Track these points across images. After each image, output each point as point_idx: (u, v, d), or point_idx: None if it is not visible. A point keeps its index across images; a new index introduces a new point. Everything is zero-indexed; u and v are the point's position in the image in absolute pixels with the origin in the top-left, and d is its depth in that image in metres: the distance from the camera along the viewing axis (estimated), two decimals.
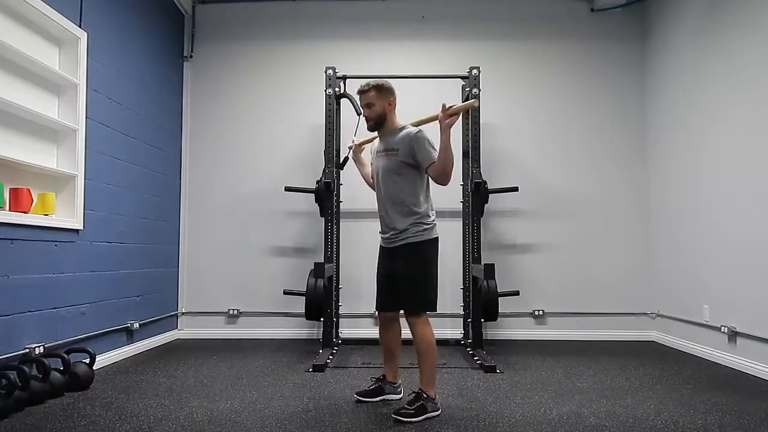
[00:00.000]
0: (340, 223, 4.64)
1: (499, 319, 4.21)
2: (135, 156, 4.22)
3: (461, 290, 4.75)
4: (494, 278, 3.95)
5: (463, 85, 4.70)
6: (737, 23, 3.80)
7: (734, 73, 3.81)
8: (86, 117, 3.53)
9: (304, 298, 4.10)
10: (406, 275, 2.75)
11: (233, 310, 4.99)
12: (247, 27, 5.19)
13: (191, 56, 5.15)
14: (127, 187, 4.11)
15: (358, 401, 2.88)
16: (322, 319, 4.23)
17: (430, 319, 2.79)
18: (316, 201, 4.46)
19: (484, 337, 4.37)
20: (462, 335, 4.71)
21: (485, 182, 4.42)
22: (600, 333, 4.92)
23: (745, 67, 3.70)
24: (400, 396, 2.94)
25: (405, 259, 2.76)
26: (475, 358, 3.97)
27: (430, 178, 2.81)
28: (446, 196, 4.89)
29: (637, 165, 5.06)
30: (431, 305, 2.76)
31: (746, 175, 3.67)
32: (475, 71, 4.45)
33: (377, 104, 2.79)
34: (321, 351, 4.13)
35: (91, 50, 3.60)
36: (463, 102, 2.68)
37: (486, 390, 3.16)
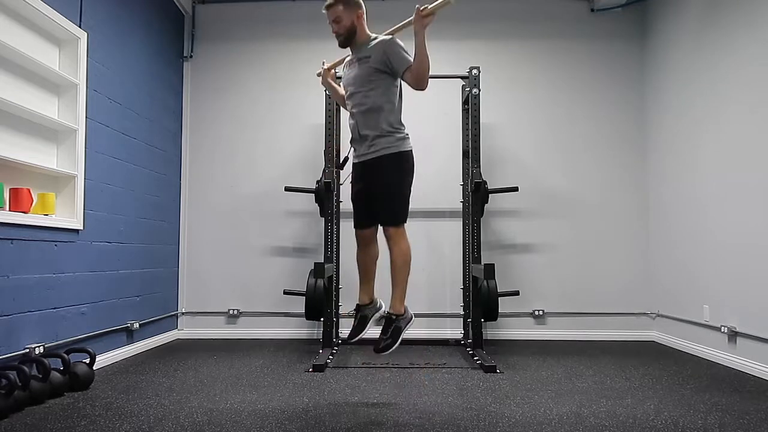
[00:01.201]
0: (340, 223, 4.64)
1: (499, 319, 4.21)
2: (135, 156, 4.22)
3: (461, 290, 4.75)
4: (494, 278, 3.95)
5: (463, 85, 4.70)
6: (737, 23, 3.80)
7: (734, 73, 3.81)
8: (86, 117, 3.53)
9: (304, 298, 4.11)
10: (383, 189, 2.72)
11: (233, 310, 5.00)
12: (247, 27, 5.19)
13: (191, 56, 5.15)
14: (127, 187, 4.11)
15: (350, 342, 2.89)
16: (322, 319, 4.23)
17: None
18: (316, 201, 4.46)
19: (484, 337, 4.36)
20: (462, 335, 4.71)
21: (485, 182, 4.42)
22: (600, 333, 4.92)
23: (744, 67, 3.70)
24: (383, 308, 2.91)
25: (382, 171, 2.71)
26: (475, 358, 3.96)
27: (403, 87, 2.77)
28: (446, 196, 4.92)
29: (637, 165, 5.06)
30: (406, 216, 2.74)
31: (746, 175, 3.67)
32: (475, 71, 4.45)
33: (345, 18, 2.72)
34: (321, 351, 4.13)
35: (91, 50, 3.60)
36: None
37: (486, 390, 3.16)
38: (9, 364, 2.81)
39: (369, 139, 2.73)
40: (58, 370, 3.01)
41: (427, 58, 2.58)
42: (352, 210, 2.93)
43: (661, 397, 3.02)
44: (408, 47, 2.72)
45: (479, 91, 4.42)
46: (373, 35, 2.80)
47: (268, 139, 5.11)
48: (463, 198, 4.80)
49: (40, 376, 2.84)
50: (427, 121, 5.06)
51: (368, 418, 2.61)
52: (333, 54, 4.91)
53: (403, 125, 2.78)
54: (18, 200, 3.00)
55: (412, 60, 2.64)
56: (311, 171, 4.88)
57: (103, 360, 3.70)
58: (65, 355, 3.07)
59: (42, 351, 3.04)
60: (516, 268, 4.96)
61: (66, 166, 3.39)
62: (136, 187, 4.25)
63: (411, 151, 2.78)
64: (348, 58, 2.90)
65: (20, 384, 2.68)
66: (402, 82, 2.78)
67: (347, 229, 4.77)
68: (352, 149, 2.86)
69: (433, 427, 2.50)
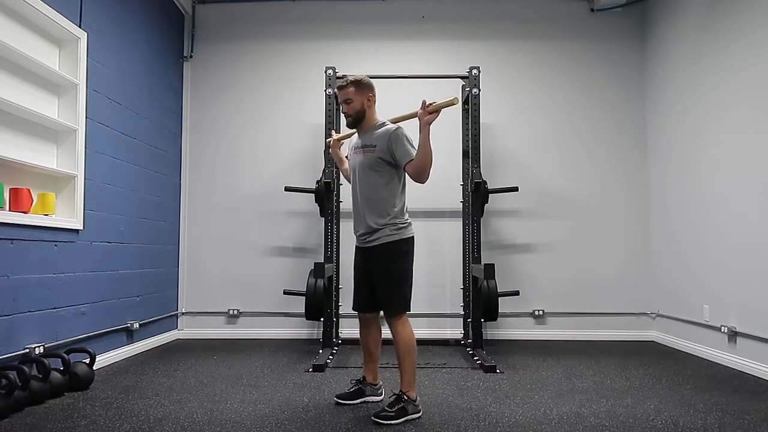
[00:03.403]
0: (340, 223, 4.64)
1: (499, 319, 4.21)
2: (135, 156, 4.22)
3: (461, 290, 4.75)
4: (494, 278, 3.95)
5: (463, 85, 4.70)
6: (737, 22, 3.80)
7: (734, 73, 3.81)
8: (86, 117, 3.53)
9: (304, 298, 4.11)
10: (383, 276, 2.73)
11: (233, 310, 5.00)
12: (247, 27, 5.19)
13: (191, 56, 5.15)
14: (127, 187, 4.11)
15: (338, 404, 2.85)
16: (322, 319, 4.23)
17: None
18: (316, 201, 4.46)
19: (484, 337, 4.37)
20: (462, 335, 4.71)
21: (485, 182, 4.42)
22: (600, 333, 4.92)
23: (744, 67, 3.70)
24: (381, 397, 2.92)
25: (382, 260, 2.73)
26: (475, 358, 3.97)
27: (406, 177, 2.78)
28: (446, 196, 4.92)
29: (637, 165, 5.06)
30: (408, 305, 2.74)
31: (746, 175, 3.67)
32: (475, 71, 4.45)
33: (356, 100, 2.75)
34: (321, 351, 4.13)
35: (91, 50, 3.60)
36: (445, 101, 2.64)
37: (486, 390, 3.16)
38: (9, 364, 2.81)
39: (371, 228, 2.74)
40: (58, 370, 3.01)
41: (430, 153, 2.60)
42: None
43: (661, 397, 3.02)
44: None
45: (479, 91, 4.42)
46: (381, 121, 2.82)
47: (268, 139, 5.11)
48: (463, 198, 4.80)
49: (40, 376, 2.84)
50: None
51: (368, 418, 2.61)
52: (331, 54, 4.95)
53: (405, 214, 2.79)
54: (18, 200, 3.00)
55: (414, 153, 2.64)
56: (311, 171, 4.88)
57: (103, 360, 3.70)
58: (65, 355, 3.07)
59: (42, 351, 3.04)
60: (516, 268, 4.96)
61: (66, 166, 3.39)
62: (137, 187, 4.25)
63: (412, 237, 2.79)
64: (354, 141, 2.91)
65: (20, 384, 2.68)
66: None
67: (347, 229, 4.77)
68: (354, 231, 2.88)
69: (433, 427, 2.50)
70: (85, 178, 3.51)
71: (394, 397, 2.66)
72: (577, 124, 5.10)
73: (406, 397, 2.62)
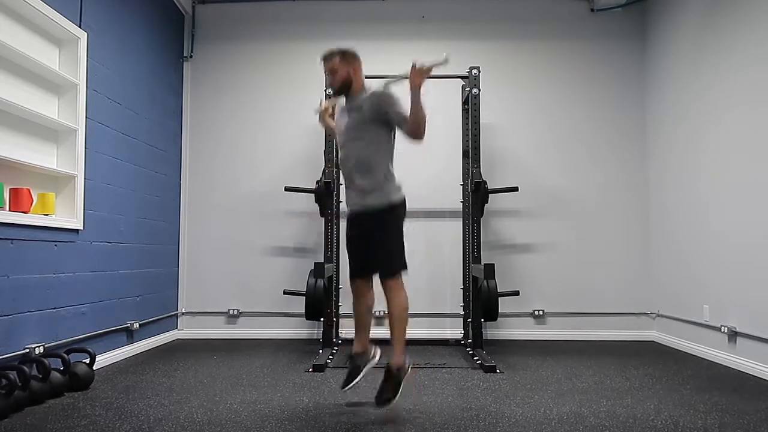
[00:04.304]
0: (340, 223, 4.64)
1: (499, 319, 4.21)
2: (135, 156, 4.22)
3: (461, 290, 4.75)
4: (494, 278, 3.95)
5: (463, 85, 4.70)
6: (737, 23, 3.79)
7: (734, 73, 3.81)
8: (86, 117, 3.53)
9: (304, 298, 4.11)
10: (380, 243, 2.73)
11: (233, 310, 5.00)
12: (247, 27, 5.19)
13: (191, 56, 5.15)
14: (127, 187, 4.11)
15: (346, 390, 2.81)
16: (322, 319, 4.23)
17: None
18: (316, 201, 4.46)
19: (484, 337, 4.37)
20: (462, 335, 4.71)
21: (485, 182, 4.42)
22: (600, 333, 4.92)
23: (745, 66, 3.70)
24: (377, 358, 2.87)
25: (377, 225, 2.73)
26: (475, 358, 3.97)
27: (396, 138, 2.78)
28: (446, 196, 4.92)
29: (637, 165, 5.06)
30: (405, 265, 2.75)
31: (746, 175, 3.67)
32: (475, 71, 4.45)
33: (341, 70, 2.74)
34: (321, 351, 4.13)
35: (91, 50, 3.60)
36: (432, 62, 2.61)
37: (486, 390, 3.16)
38: (9, 364, 2.81)
39: (363, 191, 2.74)
40: (58, 370, 3.01)
41: (423, 111, 2.59)
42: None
43: (661, 397, 3.02)
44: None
45: (479, 91, 4.42)
46: (369, 86, 2.80)
47: (268, 139, 5.11)
48: (463, 198, 4.80)
49: (40, 376, 2.84)
50: (427, 121, 5.05)
51: (368, 418, 2.61)
52: None
53: (396, 177, 2.79)
54: (18, 200, 3.00)
55: (407, 112, 2.62)
56: (311, 171, 4.88)
57: (103, 360, 3.69)
58: (65, 355, 3.07)
59: (42, 351, 3.04)
60: (516, 268, 4.96)
61: (66, 166, 3.39)
62: (137, 187, 4.25)
63: (404, 201, 2.80)
64: (342, 104, 2.89)
65: (20, 384, 2.68)
66: (396, 132, 2.79)
67: None
68: (344, 198, 2.88)
69: (433, 427, 2.50)
70: (85, 178, 3.51)
71: (385, 374, 2.69)
72: (577, 123, 5.10)
73: (396, 370, 2.66)
